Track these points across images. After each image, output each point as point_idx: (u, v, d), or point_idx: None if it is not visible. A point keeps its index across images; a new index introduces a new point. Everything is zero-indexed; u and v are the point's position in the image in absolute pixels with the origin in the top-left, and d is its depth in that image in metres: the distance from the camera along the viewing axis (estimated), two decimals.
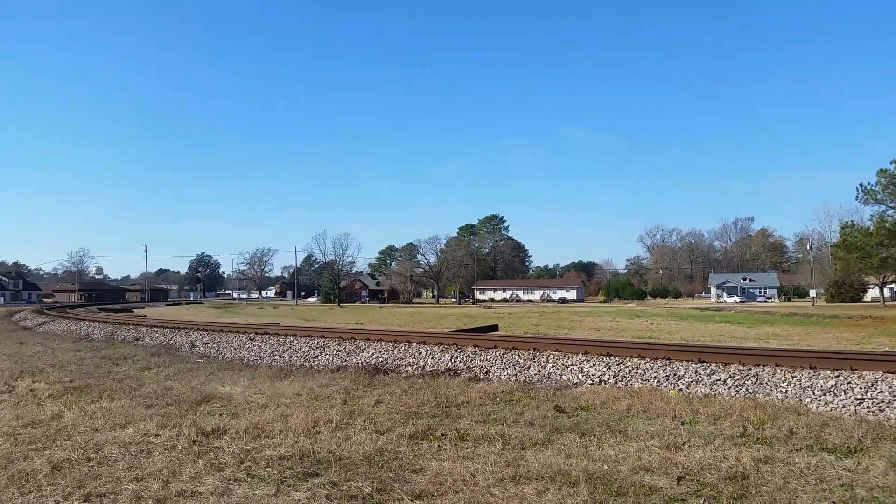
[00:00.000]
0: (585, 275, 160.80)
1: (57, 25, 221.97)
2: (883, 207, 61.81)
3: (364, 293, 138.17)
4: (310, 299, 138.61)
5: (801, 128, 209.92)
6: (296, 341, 17.37)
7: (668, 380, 10.60)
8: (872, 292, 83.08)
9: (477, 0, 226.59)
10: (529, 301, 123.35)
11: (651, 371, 11.01)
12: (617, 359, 11.83)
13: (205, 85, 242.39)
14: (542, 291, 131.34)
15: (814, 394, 9.15)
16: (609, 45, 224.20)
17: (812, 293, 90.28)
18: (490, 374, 12.39)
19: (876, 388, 8.81)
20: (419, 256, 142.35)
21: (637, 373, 11.10)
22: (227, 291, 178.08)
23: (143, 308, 75.92)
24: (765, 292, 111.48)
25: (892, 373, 9.18)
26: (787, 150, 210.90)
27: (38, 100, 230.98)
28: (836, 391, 9.06)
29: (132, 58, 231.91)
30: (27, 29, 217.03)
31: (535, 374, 11.95)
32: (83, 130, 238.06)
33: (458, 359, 13.47)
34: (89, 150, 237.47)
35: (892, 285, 79.28)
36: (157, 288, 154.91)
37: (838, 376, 9.41)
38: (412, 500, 5.14)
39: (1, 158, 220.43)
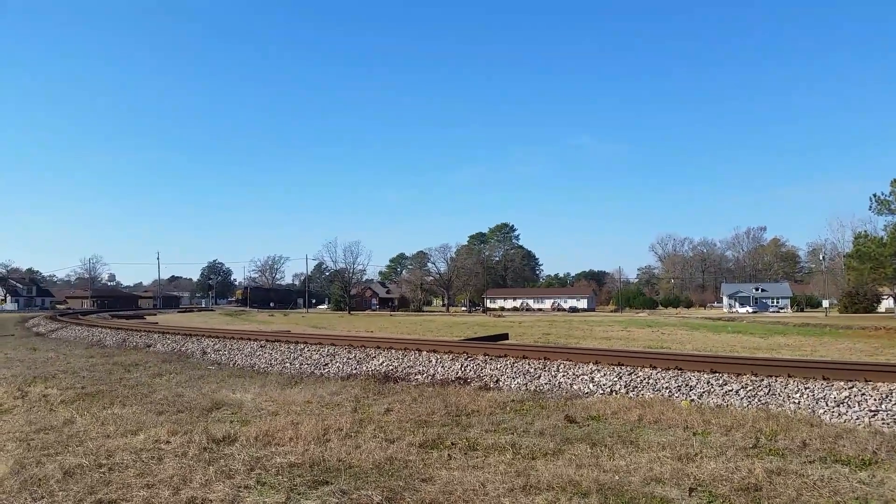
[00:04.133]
0: (596, 284, 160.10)
1: (69, 31, 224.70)
2: None
3: (374, 301, 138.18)
4: (320, 307, 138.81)
5: (813, 137, 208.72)
6: (306, 349, 17.41)
7: (679, 390, 10.54)
8: (887, 303, 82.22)
9: (486, 9, 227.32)
10: (540, 310, 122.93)
11: (663, 381, 10.95)
12: (628, 368, 11.77)
13: (217, 92, 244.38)
14: (552, 300, 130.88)
15: (827, 405, 9.07)
16: (619, 53, 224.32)
17: (825, 303, 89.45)
18: (500, 382, 12.36)
19: (891, 400, 8.72)
20: (429, 264, 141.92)
21: (648, 383, 11.04)
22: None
23: (155, 315, 76.26)
24: (777, 302, 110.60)
25: None
26: (800, 160, 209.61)
27: (50, 107, 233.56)
28: (849, 403, 8.98)
29: (146, 64, 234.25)
30: (38, 35, 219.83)
31: (546, 384, 11.91)
32: (96, 137, 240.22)
33: (469, 367, 13.45)
34: (102, 157, 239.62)
35: None
36: (168, 295, 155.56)
37: (852, 388, 9.33)
38: None
39: (14, 165, 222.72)
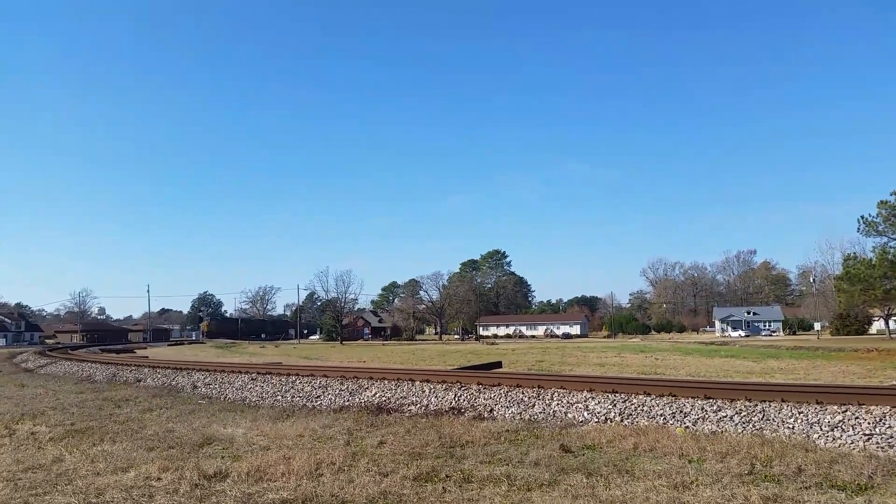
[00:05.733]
0: (589, 309, 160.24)
1: (59, 64, 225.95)
2: (885, 239, 61.68)
3: (366, 330, 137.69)
4: (312, 337, 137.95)
5: (801, 160, 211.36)
6: (298, 381, 17.27)
7: (674, 417, 10.51)
8: (878, 325, 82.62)
9: (477, 35, 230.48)
10: (533, 336, 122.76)
11: (657, 408, 10.92)
12: (622, 396, 11.74)
13: (208, 122, 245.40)
14: (545, 327, 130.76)
15: (821, 429, 9.06)
16: (611, 79, 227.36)
17: (817, 326, 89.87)
18: (494, 412, 12.29)
19: (885, 424, 8.72)
20: (422, 293, 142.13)
21: (643, 410, 11.01)
22: None
23: (146, 348, 75.61)
24: (769, 326, 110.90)
25: None
26: (788, 183, 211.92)
27: (39, 141, 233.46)
28: (843, 427, 8.97)
29: (133, 98, 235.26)
30: (30, 67, 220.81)
31: (540, 413, 11.85)
32: (84, 171, 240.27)
33: (462, 397, 13.37)
34: (91, 191, 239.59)
35: None
36: (159, 328, 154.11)
37: (846, 411, 9.33)
38: None
39: (3, 199, 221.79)
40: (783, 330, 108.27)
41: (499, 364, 24.00)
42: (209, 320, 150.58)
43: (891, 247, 60.18)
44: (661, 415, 10.68)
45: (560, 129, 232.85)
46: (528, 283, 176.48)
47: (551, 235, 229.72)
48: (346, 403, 14.47)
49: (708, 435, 9.31)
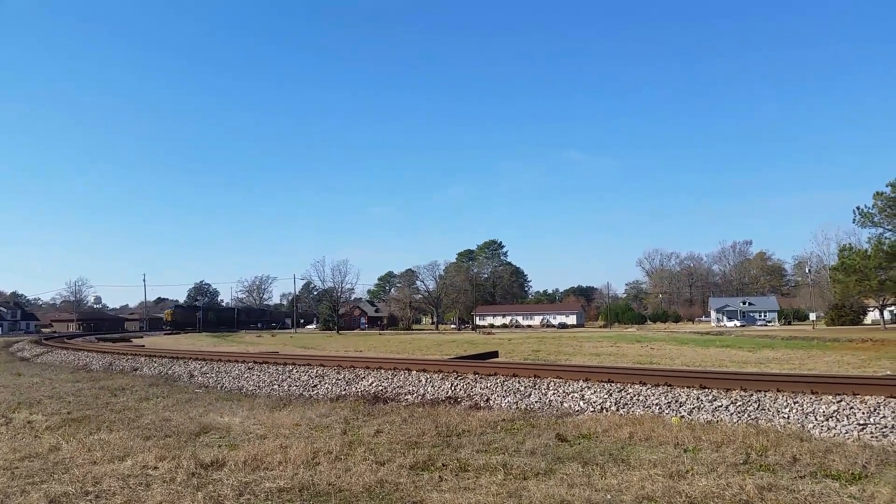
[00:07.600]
0: (585, 299, 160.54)
1: (58, 58, 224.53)
2: (880, 230, 61.91)
3: (363, 320, 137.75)
4: (308, 327, 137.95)
5: (797, 150, 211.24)
6: (294, 370, 17.28)
7: (669, 406, 10.55)
8: (872, 315, 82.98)
9: (475, 26, 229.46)
10: (529, 326, 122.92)
11: (653, 398, 10.95)
12: (618, 385, 11.77)
13: (202, 116, 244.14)
14: (541, 316, 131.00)
15: (816, 419, 9.10)
16: (608, 69, 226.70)
17: (812, 316, 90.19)
18: (491, 401, 12.32)
19: (879, 414, 8.77)
20: (418, 283, 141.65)
21: (639, 399, 11.04)
22: None
23: (142, 337, 75.45)
24: (765, 316, 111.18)
25: (895, 397, 9.15)
26: (784, 173, 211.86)
27: (36, 131, 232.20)
28: (838, 416, 9.02)
29: (128, 86, 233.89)
30: (30, 61, 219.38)
31: (536, 402, 11.88)
32: (81, 160, 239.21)
33: (459, 386, 13.40)
34: (87, 179, 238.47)
35: (892, 308, 79.24)
36: (155, 317, 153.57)
37: (840, 401, 9.37)
38: None
39: None
40: (779, 320, 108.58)
41: (495, 354, 24.08)
42: (174, 308, 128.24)
43: (886, 237, 60.46)
44: (656, 404, 10.72)
45: (557, 119, 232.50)
46: (525, 273, 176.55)
47: (548, 225, 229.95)
48: (343, 393, 14.49)
49: (703, 424, 9.35)
